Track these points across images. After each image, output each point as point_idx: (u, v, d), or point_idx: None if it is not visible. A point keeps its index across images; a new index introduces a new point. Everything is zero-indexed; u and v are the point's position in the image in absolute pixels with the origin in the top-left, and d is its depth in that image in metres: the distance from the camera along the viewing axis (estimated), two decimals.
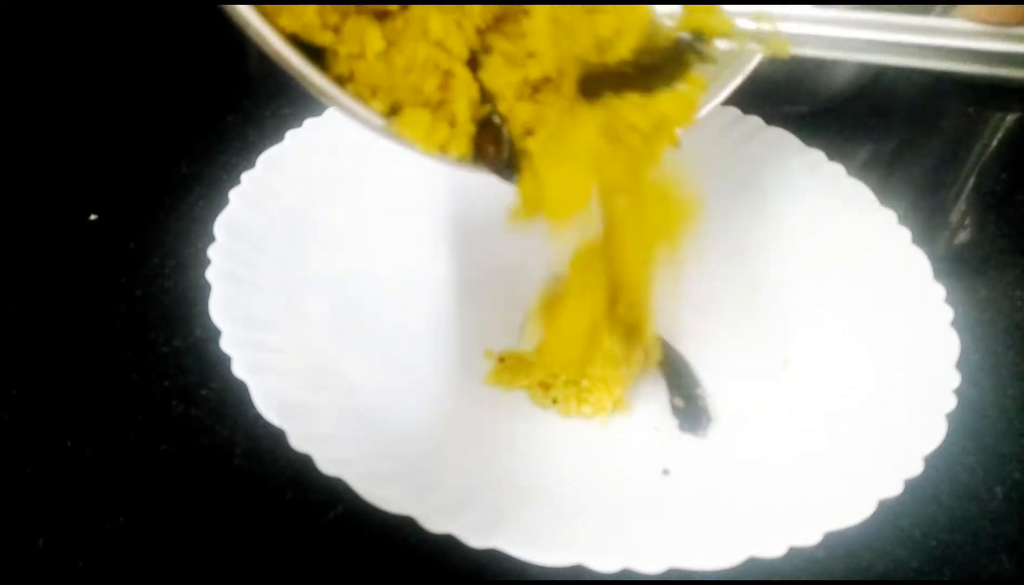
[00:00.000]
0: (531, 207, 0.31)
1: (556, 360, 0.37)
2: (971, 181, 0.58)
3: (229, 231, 0.38)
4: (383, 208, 0.45)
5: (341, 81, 0.29)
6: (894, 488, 0.31)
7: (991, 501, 0.37)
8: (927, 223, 0.49)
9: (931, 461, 0.32)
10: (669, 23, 0.32)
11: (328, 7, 0.28)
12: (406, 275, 0.43)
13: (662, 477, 0.35)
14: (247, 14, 0.26)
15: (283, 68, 0.27)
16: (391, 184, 0.45)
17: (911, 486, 0.31)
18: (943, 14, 0.31)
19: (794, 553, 0.29)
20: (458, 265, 0.45)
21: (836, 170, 0.46)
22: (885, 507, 0.31)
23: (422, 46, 0.29)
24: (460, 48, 0.29)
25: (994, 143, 0.62)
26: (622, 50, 0.31)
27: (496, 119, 0.30)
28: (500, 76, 0.30)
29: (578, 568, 0.28)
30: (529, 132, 0.31)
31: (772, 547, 0.29)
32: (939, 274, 0.40)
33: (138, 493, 0.33)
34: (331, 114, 0.46)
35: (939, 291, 0.39)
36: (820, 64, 0.54)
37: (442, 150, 0.30)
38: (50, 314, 0.40)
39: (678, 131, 0.41)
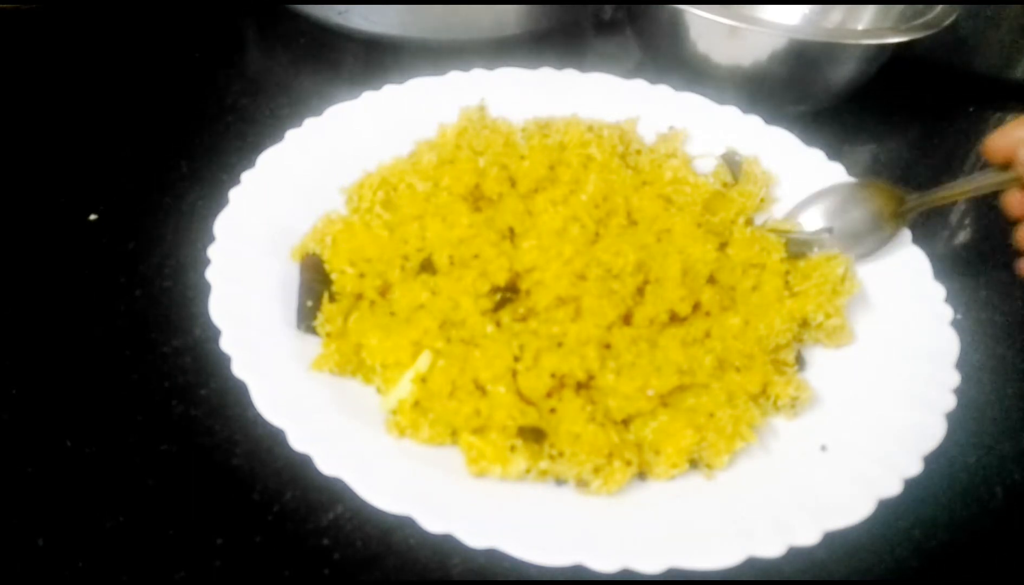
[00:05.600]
0: None
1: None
2: None
3: (229, 231, 0.38)
4: None
5: None
6: (894, 488, 0.31)
7: (991, 501, 0.37)
8: (927, 223, 0.49)
9: (931, 461, 0.32)
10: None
11: None
12: None
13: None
14: None
15: None
16: None
17: (911, 486, 0.31)
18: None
19: (794, 553, 0.29)
20: None
21: (836, 170, 0.46)
22: (885, 507, 0.31)
23: None
24: None
25: None
26: None
27: None
28: None
29: (578, 568, 0.28)
30: None
31: (772, 547, 0.29)
32: (939, 274, 0.40)
33: (138, 493, 0.33)
34: (331, 114, 0.46)
35: (939, 291, 0.39)
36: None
37: None
38: (50, 314, 0.40)
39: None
